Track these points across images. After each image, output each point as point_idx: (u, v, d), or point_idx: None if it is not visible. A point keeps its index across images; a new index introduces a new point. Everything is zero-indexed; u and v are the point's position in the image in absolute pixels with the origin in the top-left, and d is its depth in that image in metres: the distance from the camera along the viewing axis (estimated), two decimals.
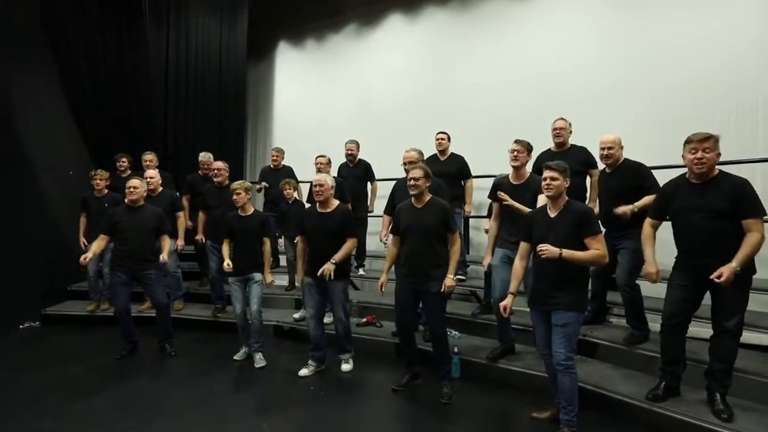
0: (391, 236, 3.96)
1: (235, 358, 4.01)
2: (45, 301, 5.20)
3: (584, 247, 2.52)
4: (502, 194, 3.29)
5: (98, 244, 3.97)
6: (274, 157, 5.52)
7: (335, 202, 3.64)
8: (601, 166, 3.52)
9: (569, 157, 3.62)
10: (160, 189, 4.82)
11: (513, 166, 3.36)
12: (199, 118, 6.69)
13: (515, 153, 3.32)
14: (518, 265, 2.82)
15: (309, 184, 4.73)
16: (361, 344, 4.04)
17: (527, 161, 3.39)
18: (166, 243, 4.06)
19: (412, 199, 3.23)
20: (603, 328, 3.60)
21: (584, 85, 5.00)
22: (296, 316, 4.63)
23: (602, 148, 3.33)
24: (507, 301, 2.78)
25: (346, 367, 3.75)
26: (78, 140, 6.06)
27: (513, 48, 5.57)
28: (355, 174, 5.18)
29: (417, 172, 3.15)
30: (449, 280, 3.12)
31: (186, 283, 5.33)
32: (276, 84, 7.40)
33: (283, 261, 5.77)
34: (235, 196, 3.88)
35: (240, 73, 6.95)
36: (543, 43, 5.36)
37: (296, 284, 4.75)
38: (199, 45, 6.71)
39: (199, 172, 5.29)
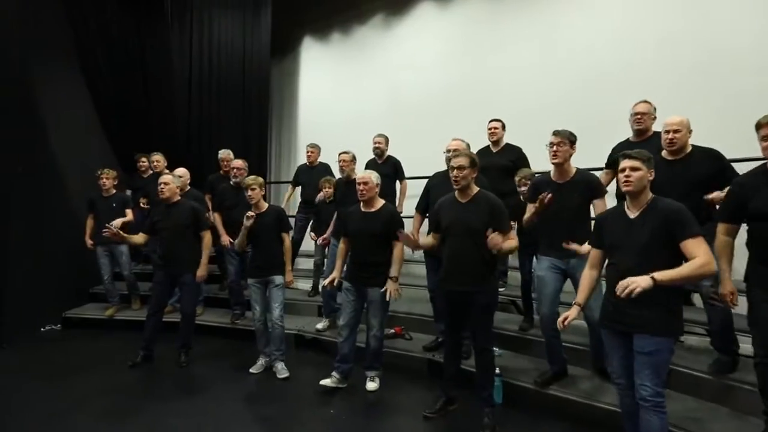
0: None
1: (251, 371, 3.62)
2: (66, 303, 4.99)
3: (674, 255, 1.95)
4: (544, 196, 2.69)
5: (136, 238, 3.78)
6: (309, 153, 5.13)
7: (380, 201, 3.22)
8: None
9: (653, 147, 2.93)
10: (188, 188, 4.53)
11: (554, 163, 2.79)
12: (223, 116, 6.39)
13: (554, 147, 2.75)
14: (588, 274, 2.30)
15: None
16: (388, 359, 3.56)
17: (571, 155, 2.80)
18: (206, 243, 3.75)
19: (456, 192, 2.74)
20: (678, 350, 2.95)
21: (634, 71, 4.34)
22: (319, 326, 4.20)
23: (667, 131, 2.70)
24: (571, 313, 2.22)
25: (371, 385, 3.29)
26: (103, 140, 5.88)
27: (552, 33, 4.94)
28: (383, 171, 4.63)
29: (461, 160, 2.65)
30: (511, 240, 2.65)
31: (207, 286, 5.00)
32: (301, 80, 7.02)
33: (307, 264, 5.38)
34: (249, 192, 3.49)
35: (264, 70, 6.61)
36: (586, 25, 4.72)
37: (320, 288, 4.32)
38: (222, 42, 6.41)
39: (221, 171, 4.93)
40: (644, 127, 3.16)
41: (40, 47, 4.98)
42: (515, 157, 4.03)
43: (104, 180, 4.58)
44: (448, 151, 3.35)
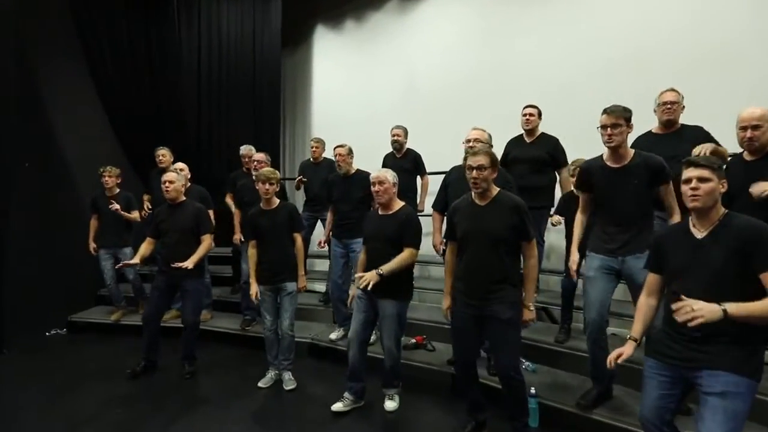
0: (443, 243, 3.13)
1: (259, 385, 3.29)
2: (73, 306, 4.76)
3: (751, 285, 1.54)
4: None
5: (145, 248, 3.44)
6: (314, 149, 4.76)
7: (399, 203, 2.83)
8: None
9: (683, 140, 2.70)
10: (188, 184, 4.21)
11: (609, 147, 2.36)
12: (233, 110, 6.08)
13: (608, 130, 2.31)
14: (644, 302, 1.89)
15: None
16: (409, 372, 3.20)
17: (627, 135, 2.37)
18: (204, 245, 3.41)
19: (472, 193, 2.35)
20: None
21: (674, 54, 3.84)
22: (333, 336, 3.86)
23: (744, 127, 2.24)
24: (626, 350, 1.80)
25: (390, 405, 2.92)
26: (112, 139, 5.65)
27: (577, 15, 4.47)
28: (402, 166, 4.30)
29: (481, 159, 2.25)
30: (528, 311, 2.26)
31: (218, 289, 4.72)
32: (314, 70, 6.64)
33: (323, 266, 5.05)
34: (267, 186, 3.12)
35: (275, 61, 6.26)
36: (619, 4, 4.23)
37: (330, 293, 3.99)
38: (231, 34, 6.08)
39: (243, 168, 4.57)
40: (675, 117, 2.82)
41: (45, 45, 4.74)
42: (552, 149, 3.59)
43: (107, 178, 4.29)
44: (468, 141, 2.96)
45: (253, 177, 4.01)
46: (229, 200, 4.51)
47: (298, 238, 3.24)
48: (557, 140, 3.63)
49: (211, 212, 4.19)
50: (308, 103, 6.68)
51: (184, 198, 3.47)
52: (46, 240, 4.52)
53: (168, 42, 5.71)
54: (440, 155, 4.66)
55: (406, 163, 4.37)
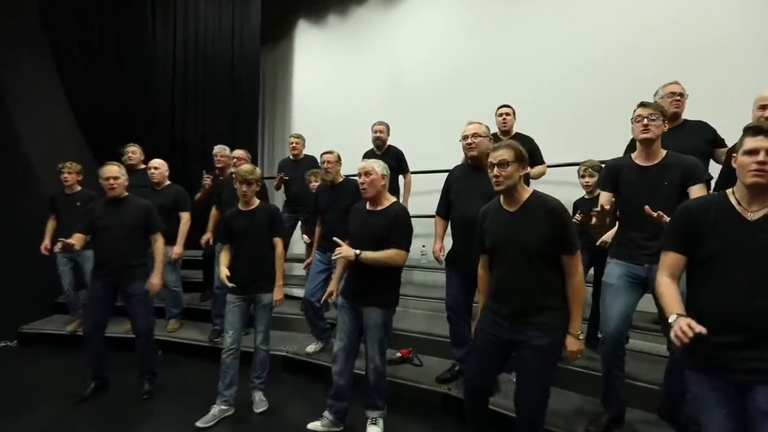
0: (444, 250, 2.83)
1: (197, 425, 2.67)
2: (26, 316, 4.28)
3: None
4: (648, 211, 1.91)
5: (76, 238, 2.93)
6: (293, 145, 4.46)
7: (389, 199, 2.49)
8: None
9: (688, 135, 2.53)
10: (167, 183, 3.88)
11: (643, 140, 2.10)
12: (210, 107, 5.68)
13: (644, 120, 2.07)
14: (670, 283, 1.56)
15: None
16: (393, 389, 2.81)
17: (662, 132, 2.13)
18: (159, 246, 3.02)
19: (501, 199, 1.99)
20: None
21: (668, 49, 3.62)
22: (310, 349, 3.49)
23: (763, 106, 2.11)
24: (690, 322, 1.35)
25: (374, 430, 2.55)
26: (77, 135, 5.18)
27: (570, 10, 4.23)
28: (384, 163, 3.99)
29: (504, 153, 1.88)
30: (572, 340, 1.86)
31: (186, 296, 4.31)
32: (295, 67, 6.28)
33: (298, 270, 4.68)
34: (244, 187, 2.76)
35: (254, 57, 5.90)
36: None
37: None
38: (209, 28, 5.69)
39: (216, 169, 4.22)
40: (681, 110, 2.64)
41: (7, 37, 4.32)
42: (530, 148, 3.33)
43: (66, 175, 3.86)
44: (465, 137, 2.65)
45: (231, 174, 3.72)
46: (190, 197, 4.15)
47: (279, 244, 2.87)
48: (532, 139, 3.40)
49: (185, 215, 3.88)
50: (289, 100, 6.32)
51: (126, 194, 3.05)
52: (3, 244, 4.06)
53: (141, 37, 5.27)
54: (426, 154, 4.40)
55: (387, 160, 3.98)
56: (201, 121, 5.64)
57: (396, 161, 4.07)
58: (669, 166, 2.09)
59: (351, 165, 3.62)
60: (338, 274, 2.65)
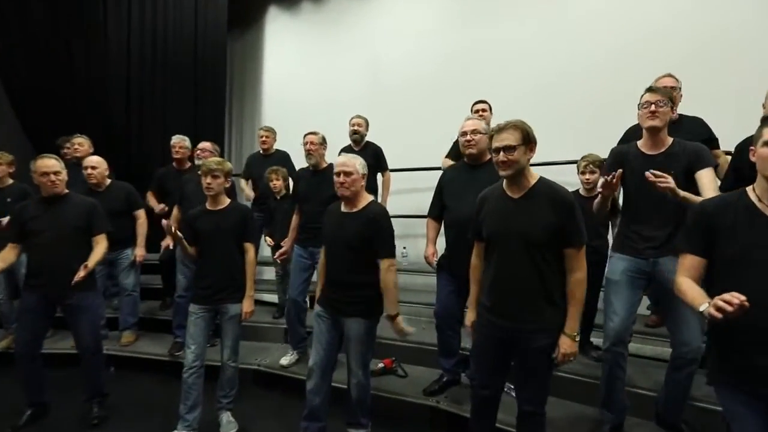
0: (438, 253, 2.61)
1: None
2: None
3: None
4: (653, 173, 1.80)
5: (6, 256, 2.52)
6: (263, 139, 4.12)
7: (366, 198, 2.23)
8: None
9: (681, 131, 2.37)
10: (108, 181, 3.42)
11: (651, 127, 1.97)
12: (170, 96, 5.21)
13: (652, 106, 1.95)
14: (691, 284, 1.43)
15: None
16: (377, 403, 2.54)
17: (670, 120, 2.01)
18: (99, 248, 2.60)
19: (504, 183, 1.81)
20: None
21: (648, 46, 3.56)
22: (284, 361, 3.17)
23: None
24: (732, 294, 1.18)
25: None
26: (12, 123, 4.62)
27: (562, 2, 4.10)
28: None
29: (509, 136, 1.69)
30: (567, 341, 1.70)
31: (144, 304, 3.89)
32: (266, 56, 5.87)
33: (270, 274, 4.35)
34: (209, 180, 2.42)
35: (220, 43, 5.48)
36: None
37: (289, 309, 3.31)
38: (169, 12, 5.21)
39: (173, 163, 3.86)
40: (676, 104, 2.52)
41: None
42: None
43: None
44: (463, 134, 2.44)
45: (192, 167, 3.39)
46: (151, 199, 3.81)
47: (251, 250, 2.55)
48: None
49: (140, 213, 3.50)
50: (258, 91, 5.91)
51: (67, 191, 2.65)
52: None
53: (90, 17, 4.75)
54: (404, 151, 4.17)
55: (365, 156, 3.72)
56: (160, 111, 5.16)
57: (374, 158, 3.82)
58: (676, 155, 1.98)
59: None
60: (319, 286, 2.36)
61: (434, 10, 4.74)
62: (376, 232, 2.13)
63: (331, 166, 3.04)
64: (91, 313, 2.61)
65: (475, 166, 2.44)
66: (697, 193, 1.90)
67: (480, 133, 2.41)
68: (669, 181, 1.77)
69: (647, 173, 1.80)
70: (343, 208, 2.22)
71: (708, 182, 1.92)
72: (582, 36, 3.93)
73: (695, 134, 2.47)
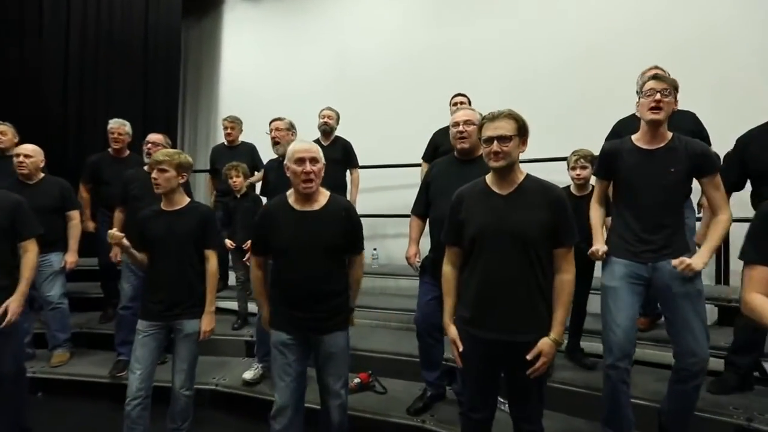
0: (422, 255, 2.40)
1: None
2: None
3: None
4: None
5: None
6: (228, 130, 3.75)
7: (325, 193, 1.91)
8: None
9: (670, 126, 2.31)
10: (41, 175, 2.96)
11: (652, 120, 1.81)
12: (116, 84, 4.68)
13: (657, 95, 1.78)
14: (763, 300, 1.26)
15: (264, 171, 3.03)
16: (356, 425, 2.24)
17: (673, 111, 1.86)
18: (29, 259, 2.15)
19: (489, 179, 1.62)
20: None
21: (629, 45, 3.51)
22: (248, 375, 2.80)
23: None
24: None
25: None
26: None
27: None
28: (330, 155, 3.41)
29: (505, 124, 1.51)
30: (548, 345, 1.51)
31: (80, 316, 3.38)
32: (224, 44, 5.43)
33: (230, 278, 3.95)
34: (155, 175, 2.08)
35: (174, 29, 5.01)
36: None
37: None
38: None
39: (110, 149, 3.42)
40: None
41: None
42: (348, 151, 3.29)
43: None
44: (455, 124, 2.22)
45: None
46: (83, 193, 3.33)
47: (212, 258, 2.17)
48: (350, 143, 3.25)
49: (74, 214, 3.03)
50: (216, 81, 5.47)
51: None
52: None
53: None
54: (373, 148, 3.91)
55: (334, 152, 3.53)
56: (104, 99, 4.62)
57: (343, 153, 3.57)
58: (676, 151, 1.83)
59: None
60: (263, 303, 2.00)
61: (406, 5, 4.52)
62: (354, 229, 1.88)
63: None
64: (13, 334, 2.13)
65: (466, 161, 2.24)
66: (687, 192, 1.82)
67: (473, 124, 2.19)
68: (692, 266, 1.69)
69: (674, 262, 1.71)
70: (299, 206, 1.85)
71: (718, 191, 1.82)
72: (560, 31, 3.85)
73: (684, 130, 2.40)
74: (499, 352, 1.55)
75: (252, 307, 3.55)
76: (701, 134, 2.43)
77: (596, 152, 2.60)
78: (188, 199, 2.20)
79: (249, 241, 3.01)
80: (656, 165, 1.83)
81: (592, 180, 2.56)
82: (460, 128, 2.18)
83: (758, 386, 2.26)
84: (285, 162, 1.83)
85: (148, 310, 2.10)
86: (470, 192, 1.63)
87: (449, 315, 1.70)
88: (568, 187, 2.56)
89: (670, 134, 1.87)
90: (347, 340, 1.91)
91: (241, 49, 5.32)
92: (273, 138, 2.68)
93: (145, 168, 2.94)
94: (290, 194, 1.88)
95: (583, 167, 2.49)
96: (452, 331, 1.67)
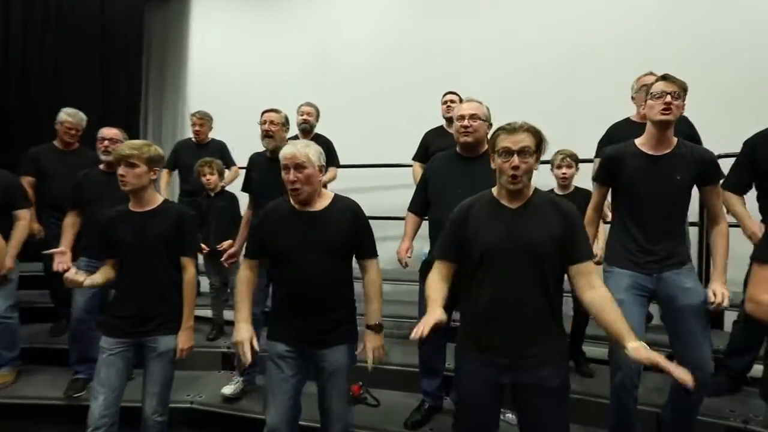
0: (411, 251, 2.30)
1: None
2: None
3: None
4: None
5: None
6: (197, 127, 3.47)
7: (329, 194, 1.76)
8: None
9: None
10: None
11: (662, 121, 1.73)
12: (67, 72, 4.24)
13: (667, 97, 1.71)
14: None
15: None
16: None
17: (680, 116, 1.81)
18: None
19: (495, 192, 1.50)
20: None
21: (628, 48, 3.52)
22: (228, 390, 2.56)
23: None
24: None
25: None
26: None
27: None
28: None
29: (523, 138, 1.39)
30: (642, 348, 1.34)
31: (22, 329, 2.97)
32: (191, 30, 5.02)
33: (204, 284, 3.64)
34: (122, 171, 1.80)
35: (136, 12, 4.61)
36: None
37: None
38: None
39: (58, 140, 3.06)
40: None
41: None
42: (325, 149, 3.05)
43: None
44: (460, 117, 2.09)
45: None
46: (26, 187, 2.89)
47: (189, 267, 1.91)
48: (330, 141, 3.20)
49: (22, 214, 2.64)
50: (183, 70, 5.07)
51: None
52: None
53: None
54: (354, 146, 3.71)
55: None
56: (52, 88, 4.16)
57: (325, 152, 3.36)
58: (682, 158, 1.77)
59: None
60: (244, 308, 1.74)
61: None
62: (365, 231, 1.71)
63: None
64: None
65: (468, 158, 2.12)
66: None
67: (480, 119, 2.08)
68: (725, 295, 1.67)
69: (711, 298, 1.68)
70: (301, 207, 1.69)
71: (719, 200, 1.83)
72: (569, 28, 3.78)
73: (680, 133, 2.40)
74: (507, 381, 1.42)
75: (229, 314, 3.30)
76: (693, 138, 2.44)
77: (581, 155, 2.63)
78: (161, 198, 1.94)
79: (225, 243, 2.82)
80: (662, 171, 1.77)
81: (574, 180, 2.56)
82: (466, 122, 2.06)
83: (747, 388, 2.29)
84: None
85: (114, 325, 1.84)
86: (477, 205, 1.50)
87: (438, 302, 1.42)
88: (552, 189, 2.53)
89: (675, 140, 1.81)
90: (353, 356, 1.72)
91: (212, 35, 4.94)
92: (266, 130, 2.43)
93: (101, 167, 2.63)
94: None
95: (569, 166, 2.50)
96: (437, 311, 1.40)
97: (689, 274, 1.79)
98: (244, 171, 2.67)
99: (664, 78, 1.78)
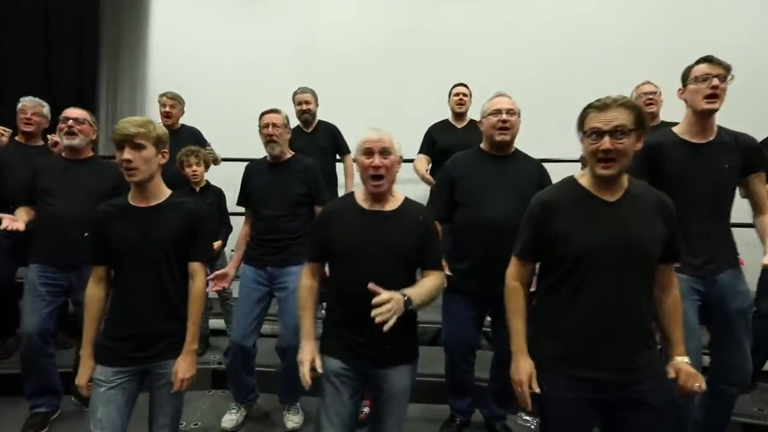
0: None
1: None
2: None
3: None
4: None
5: None
6: (167, 108, 3.02)
7: (400, 196, 1.52)
8: None
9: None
10: None
11: (707, 108, 1.64)
12: (9, 54, 3.62)
13: (715, 81, 1.61)
14: None
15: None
16: None
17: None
18: None
19: (584, 181, 1.31)
20: None
21: (639, 45, 3.58)
22: (228, 424, 2.23)
23: None
24: None
25: None
26: None
27: None
28: (317, 143, 3.07)
29: (619, 114, 1.19)
30: (686, 367, 1.27)
31: None
32: (152, 8, 4.44)
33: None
34: (128, 155, 1.42)
35: None
36: None
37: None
38: None
39: (21, 131, 2.54)
40: (657, 110, 2.58)
41: None
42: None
43: None
44: (496, 112, 1.91)
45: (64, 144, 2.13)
46: None
47: (199, 275, 1.55)
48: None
49: None
50: (143, 48, 4.42)
51: None
52: None
53: None
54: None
55: (320, 139, 3.12)
56: None
57: (331, 140, 3.15)
58: (727, 146, 1.70)
59: (239, 149, 3.08)
60: (309, 328, 1.49)
61: None
62: (433, 240, 1.50)
63: (296, 156, 2.25)
64: None
65: (500, 156, 1.96)
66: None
67: (516, 114, 1.93)
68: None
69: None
70: (370, 206, 1.47)
71: (765, 187, 1.75)
72: (559, 27, 3.77)
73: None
74: (607, 398, 1.25)
75: (214, 323, 2.94)
76: None
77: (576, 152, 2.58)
78: (168, 191, 1.57)
79: (216, 243, 2.49)
80: (709, 161, 1.67)
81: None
82: (503, 116, 1.88)
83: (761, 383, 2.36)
84: (354, 155, 1.48)
85: (111, 350, 1.47)
86: (563, 198, 1.31)
87: (517, 344, 1.34)
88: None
89: (716, 127, 1.73)
90: (413, 376, 1.49)
91: (179, 15, 4.38)
92: (269, 134, 2.12)
93: (63, 154, 2.19)
94: (358, 193, 1.51)
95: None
96: (525, 362, 1.32)
97: (740, 276, 1.73)
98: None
99: (708, 60, 1.68)
